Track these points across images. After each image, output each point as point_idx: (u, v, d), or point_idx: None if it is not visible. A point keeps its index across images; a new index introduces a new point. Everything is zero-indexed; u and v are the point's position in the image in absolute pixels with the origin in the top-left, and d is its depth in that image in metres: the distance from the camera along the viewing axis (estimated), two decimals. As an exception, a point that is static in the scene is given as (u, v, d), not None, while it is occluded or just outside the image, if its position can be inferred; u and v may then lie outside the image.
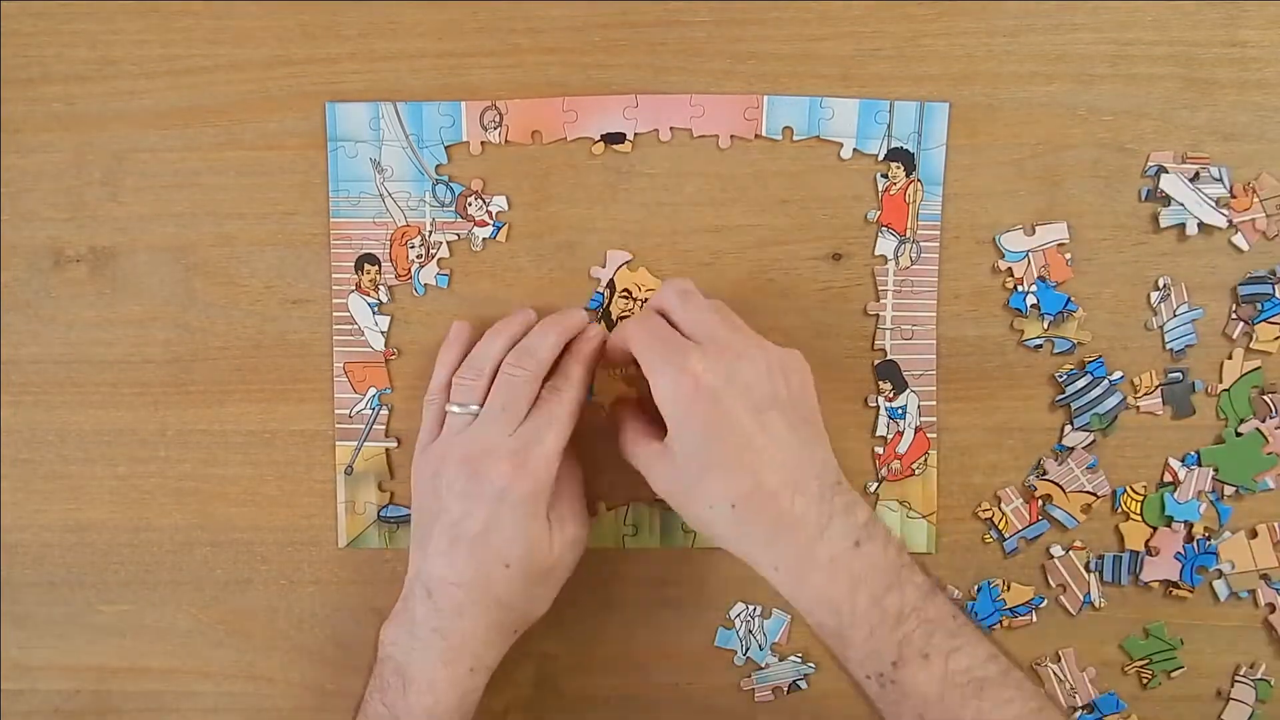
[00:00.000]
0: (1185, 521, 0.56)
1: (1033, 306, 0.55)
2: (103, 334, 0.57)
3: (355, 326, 0.56)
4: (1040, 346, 0.56)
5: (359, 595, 0.58)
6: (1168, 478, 0.56)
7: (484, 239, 0.56)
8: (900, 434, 0.56)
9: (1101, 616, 0.57)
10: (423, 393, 0.53)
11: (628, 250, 0.55)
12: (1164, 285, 0.55)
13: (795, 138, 0.55)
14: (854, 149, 0.55)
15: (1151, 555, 0.57)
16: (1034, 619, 0.57)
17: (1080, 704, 0.57)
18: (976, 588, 0.57)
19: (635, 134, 0.55)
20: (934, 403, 0.56)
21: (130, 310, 0.57)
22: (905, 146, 0.55)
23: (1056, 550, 0.57)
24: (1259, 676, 0.57)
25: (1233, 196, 0.55)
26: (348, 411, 0.57)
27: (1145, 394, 0.56)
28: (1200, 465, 0.56)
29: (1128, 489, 0.56)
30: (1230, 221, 0.55)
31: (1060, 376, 0.56)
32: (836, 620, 0.45)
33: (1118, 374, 0.56)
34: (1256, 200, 0.55)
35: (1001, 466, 0.56)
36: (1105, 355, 0.56)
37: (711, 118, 0.55)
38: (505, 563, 0.49)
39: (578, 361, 0.51)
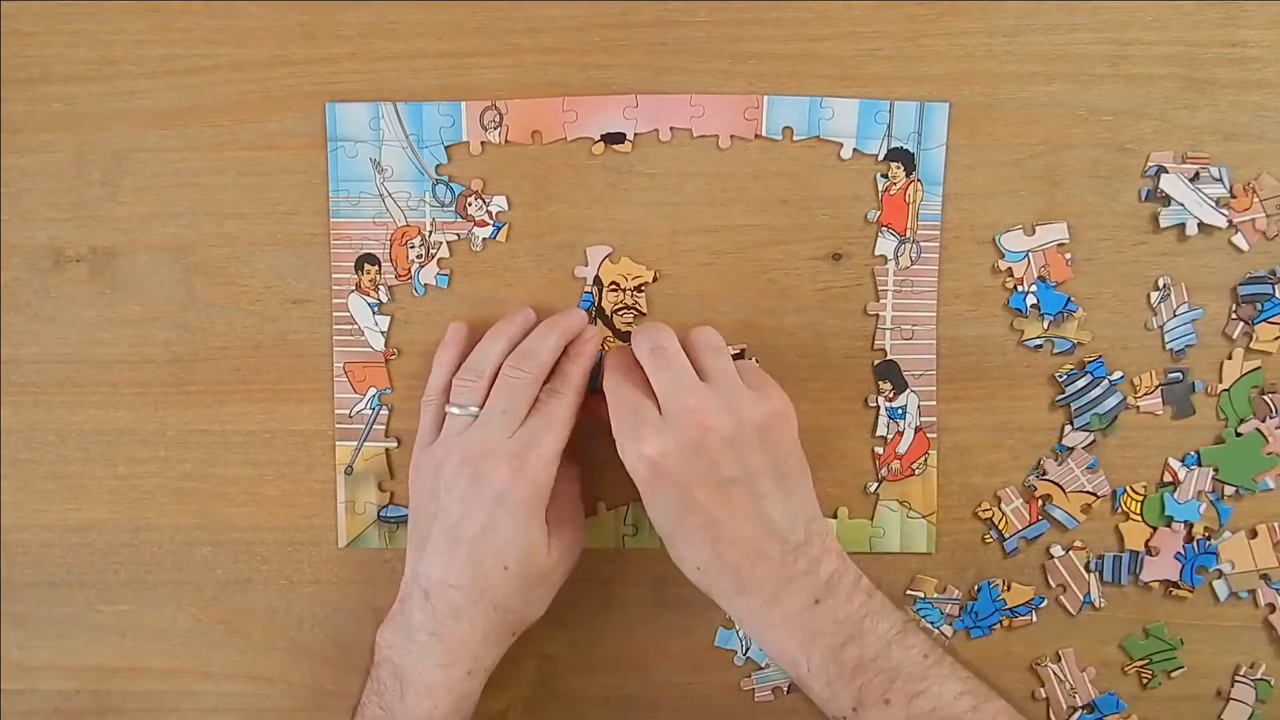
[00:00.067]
0: (1185, 521, 0.56)
1: (1033, 306, 0.55)
2: (103, 334, 0.57)
3: (355, 326, 0.56)
4: (1040, 346, 0.56)
5: (359, 595, 0.58)
6: (1168, 478, 0.56)
7: (484, 239, 0.56)
8: (900, 434, 0.56)
9: (1101, 616, 0.57)
10: (421, 393, 0.53)
11: (626, 250, 0.55)
12: (1164, 285, 0.55)
13: (795, 138, 0.55)
14: (854, 149, 0.55)
15: (1151, 555, 0.57)
16: (1034, 619, 0.57)
17: (1080, 704, 0.57)
18: (976, 588, 0.57)
19: (635, 134, 0.55)
20: (934, 403, 0.56)
21: (130, 310, 0.57)
22: (905, 146, 0.55)
23: (1056, 550, 0.57)
24: (1259, 676, 0.57)
25: (1233, 196, 0.55)
26: (348, 411, 0.57)
27: (1145, 394, 0.56)
28: (1200, 465, 0.56)
29: (1128, 489, 0.56)
30: (1230, 221, 0.55)
31: (1060, 376, 0.56)
32: (795, 672, 0.48)
33: (1118, 374, 0.56)
34: (1256, 200, 0.55)
35: (1001, 466, 0.56)
36: (1105, 355, 0.56)
37: (711, 118, 0.55)
38: (503, 565, 0.49)
39: (575, 364, 0.51)
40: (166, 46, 0.55)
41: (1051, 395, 0.56)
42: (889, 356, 0.56)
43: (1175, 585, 0.57)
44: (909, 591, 0.57)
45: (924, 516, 0.57)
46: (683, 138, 0.55)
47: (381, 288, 0.56)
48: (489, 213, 0.56)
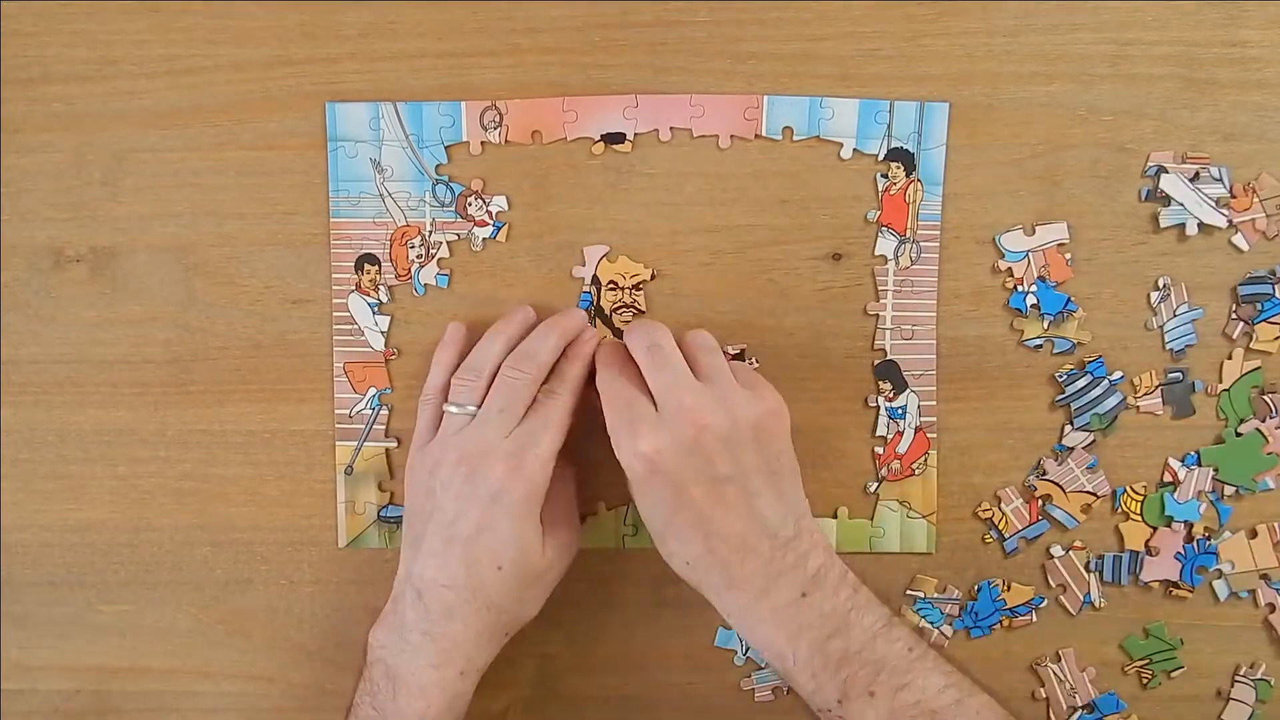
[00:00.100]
0: (1185, 521, 0.56)
1: (1033, 306, 0.55)
2: (103, 334, 0.57)
3: (355, 326, 0.56)
4: (1040, 346, 0.56)
5: (359, 595, 0.58)
6: (1168, 478, 0.56)
7: (484, 239, 0.56)
8: (900, 434, 0.56)
9: (1101, 616, 0.57)
10: (420, 393, 0.53)
11: (626, 250, 0.55)
12: (1164, 285, 0.55)
13: (795, 138, 0.55)
14: (854, 149, 0.55)
15: (1151, 555, 0.57)
16: (1034, 619, 0.57)
17: (1080, 704, 0.57)
18: (976, 588, 0.57)
19: (635, 134, 0.55)
20: (934, 403, 0.56)
21: (130, 310, 0.57)
22: (905, 146, 0.55)
23: (1056, 550, 0.57)
24: (1259, 676, 0.57)
25: (1233, 196, 0.55)
26: (348, 411, 0.57)
27: (1145, 394, 0.56)
28: (1200, 465, 0.56)
29: (1128, 489, 0.56)
30: (1230, 221, 0.55)
31: (1060, 376, 0.56)
32: (782, 665, 0.48)
33: (1118, 374, 0.56)
34: (1256, 200, 0.55)
35: (1001, 466, 0.56)
36: (1105, 355, 0.56)
37: (711, 118, 0.55)
38: (498, 564, 0.49)
39: (573, 365, 0.51)
40: (166, 46, 0.55)
41: (1051, 395, 0.56)
42: (889, 356, 0.56)
43: (1175, 585, 0.57)
44: (909, 591, 0.57)
45: (924, 516, 0.57)
46: (683, 138, 0.55)
47: (381, 288, 0.56)
48: (489, 213, 0.56)
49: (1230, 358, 0.56)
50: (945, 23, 0.54)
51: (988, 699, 0.47)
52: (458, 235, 0.56)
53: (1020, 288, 0.55)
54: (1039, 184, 0.55)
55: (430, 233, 0.56)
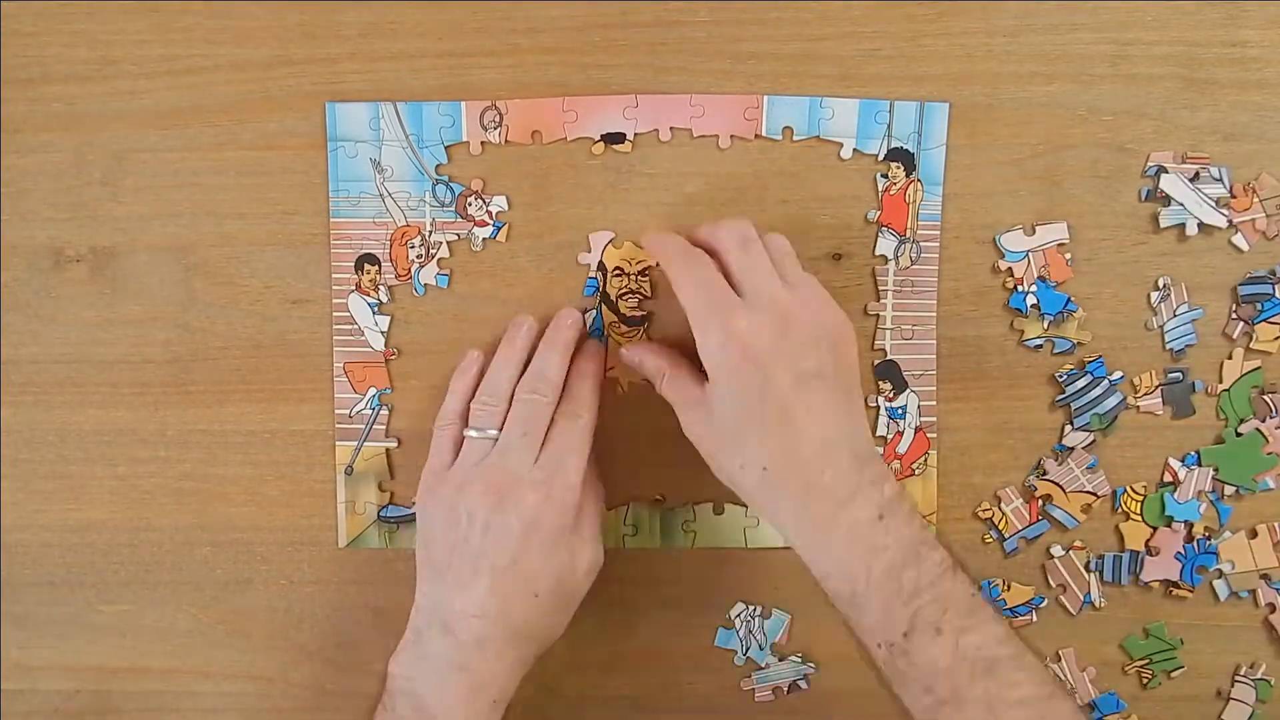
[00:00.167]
0: (1185, 521, 0.56)
1: (1033, 306, 0.55)
2: (103, 334, 0.57)
3: (355, 326, 0.56)
4: (1040, 346, 0.56)
5: (359, 595, 0.58)
6: (1168, 478, 0.56)
7: (484, 239, 0.56)
8: (900, 434, 0.56)
9: (1101, 616, 0.57)
10: (420, 397, 0.53)
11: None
12: (1164, 285, 0.55)
13: (795, 138, 0.55)
14: (854, 149, 0.55)
15: (1151, 555, 0.57)
16: (1034, 619, 0.57)
17: (1080, 704, 0.57)
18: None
19: (635, 134, 0.55)
20: (934, 403, 0.56)
21: (130, 310, 0.57)
22: (905, 146, 0.55)
23: (1056, 550, 0.57)
24: (1259, 676, 0.57)
25: (1233, 196, 0.55)
26: (348, 411, 0.57)
27: (1145, 394, 0.56)
28: (1200, 465, 0.56)
29: (1128, 489, 0.56)
30: (1230, 221, 0.55)
31: (1060, 376, 0.56)
32: (851, 588, 0.46)
33: (1118, 374, 0.56)
34: (1256, 200, 0.55)
35: (1001, 466, 0.56)
36: (1105, 355, 0.56)
37: (711, 118, 0.55)
38: (534, 593, 0.49)
39: (586, 383, 0.52)
40: (166, 46, 0.55)
41: (1051, 395, 0.56)
42: (889, 356, 0.56)
43: (1175, 585, 0.57)
44: (909, 591, 0.57)
45: (924, 516, 0.57)
46: (683, 138, 0.55)
47: (381, 288, 0.56)
48: (489, 213, 0.56)
49: (1230, 358, 0.56)
50: (945, 23, 0.54)
51: (1037, 660, 0.45)
52: (458, 235, 0.56)
53: (1020, 288, 0.55)
54: (1039, 184, 0.55)
55: (430, 233, 0.56)
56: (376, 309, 0.56)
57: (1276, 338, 0.55)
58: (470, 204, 0.56)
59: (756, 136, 0.55)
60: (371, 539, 0.57)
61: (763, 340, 0.46)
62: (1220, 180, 0.54)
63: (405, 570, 0.57)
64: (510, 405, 0.51)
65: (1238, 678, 0.57)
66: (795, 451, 0.46)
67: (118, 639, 0.59)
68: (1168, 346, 0.56)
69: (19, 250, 0.57)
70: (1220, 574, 0.57)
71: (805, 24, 0.54)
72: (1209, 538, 0.56)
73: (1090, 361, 0.55)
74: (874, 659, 0.46)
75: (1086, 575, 0.57)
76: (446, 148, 0.55)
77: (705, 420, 0.48)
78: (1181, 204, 0.55)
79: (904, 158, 0.55)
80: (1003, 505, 0.57)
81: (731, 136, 0.55)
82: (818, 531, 0.47)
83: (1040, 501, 0.56)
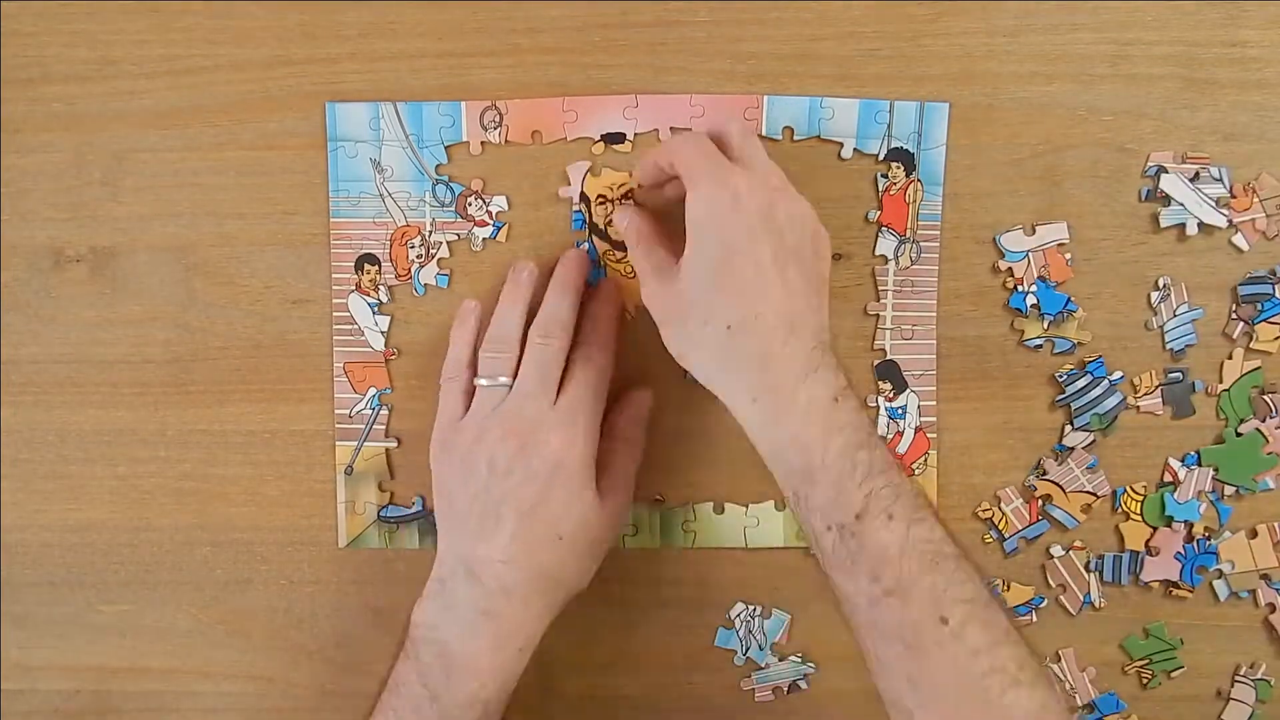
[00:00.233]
0: (1185, 521, 0.56)
1: (1033, 306, 0.55)
2: (103, 334, 0.57)
3: (355, 326, 0.56)
4: (1040, 346, 0.56)
5: (359, 595, 0.58)
6: (1168, 478, 0.56)
7: (484, 239, 0.56)
8: (900, 434, 0.56)
9: (1101, 616, 0.57)
10: (419, 388, 0.53)
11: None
12: (1164, 285, 0.55)
13: (795, 138, 0.55)
14: (854, 149, 0.55)
15: (1151, 555, 0.57)
16: (1034, 619, 0.57)
17: (1080, 704, 0.57)
18: (976, 588, 0.57)
19: (635, 134, 0.55)
20: (934, 403, 0.56)
21: (130, 310, 0.57)
22: (905, 146, 0.55)
23: (1056, 550, 0.57)
24: (1259, 676, 0.57)
25: (1233, 196, 0.55)
26: (348, 411, 0.57)
27: (1145, 394, 0.56)
28: (1200, 465, 0.56)
29: (1128, 489, 0.56)
30: (1230, 221, 0.55)
31: (1060, 376, 0.56)
32: (806, 461, 0.45)
33: (1118, 374, 0.56)
34: (1256, 200, 0.55)
35: (1001, 466, 0.56)
36: (1105, 355, 0.56)
37: (711, 118, 0.55)
38: (558, 535, 0.49)
39: (601, 325, 0.52)
40: (166, 46, 0.55)
41: (1051, 395, 0.56)
42: (889, 356, 0.56)
43: (1175, 585, 0.57)
44: (909, 591, 0.57)
45: (924, 516, 0.57)
46: (683, 138, 0.55)
47: (381, 288, 0.56)
48: (489, 213, 0.56)
49: (1230, 358, 0.56)
50: (945, 23, 0.54)
51: (974, 566, 0.45)
52: (458, 235, 0.56)
53: (1020, 288, 0.55)
54: (1039, 184, 0.55)
55: (430, 233, 0.56)
56: (376, 309, 0.56)
57: (1276, 338, 0.55)
58: (470, 204, 0.56)
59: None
60: (371, 539, 0.57)
61: (756, 201, 0.46)
62: (1220, 180, 0.54)
63: (405, 570, 0.57)
64: (521, 351, 0.51)
65: (1238, 678, 0.57)
66: (762, 315, 0.46)
67: (118, 639, 0.59)
68: (1168, 346, 0.56)
69: (19, 250, 0.57)
70: (1220, 574, 0.57)
71: (805, 24, 0.54)
72: (1209, 538, 0.56)
73: (1090, 361, 0.55)
74: (819, 544, 0.45)
75: (1086, 575, 0.57)
76: (446, 148, 0.55)
77: (673, 285, 0.48)
78: (1181, 204, 0.55)
79: (904, 158, 0.55)
80: (1003, 505, 0.57)
81: (731, 136, 0.55)
82: (775, 401, 0.46)
83: (1040, 501, 0.56)
